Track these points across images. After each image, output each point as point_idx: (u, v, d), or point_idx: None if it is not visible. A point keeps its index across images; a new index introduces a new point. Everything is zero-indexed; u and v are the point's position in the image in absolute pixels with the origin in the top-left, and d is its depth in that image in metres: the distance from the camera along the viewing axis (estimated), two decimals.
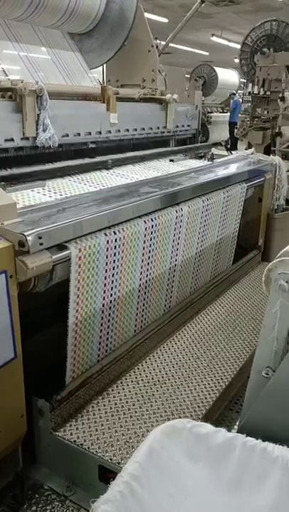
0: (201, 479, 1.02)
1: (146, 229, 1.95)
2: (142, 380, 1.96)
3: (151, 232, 2.00)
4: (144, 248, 1.98)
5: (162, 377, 1.99)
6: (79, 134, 2.36)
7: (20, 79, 2.12)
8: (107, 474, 1.50)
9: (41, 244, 1.40)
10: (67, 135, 2.29)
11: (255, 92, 6.73)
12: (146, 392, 1.88)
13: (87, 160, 2.47)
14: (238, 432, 1.13)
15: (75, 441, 1.60)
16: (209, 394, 1.88)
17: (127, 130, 2.72)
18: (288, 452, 1.01)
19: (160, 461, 1.01)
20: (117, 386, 1.91)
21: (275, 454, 1.00)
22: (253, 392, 1.22)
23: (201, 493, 1.00)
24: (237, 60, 7.34)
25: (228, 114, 12.29)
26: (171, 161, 3.02)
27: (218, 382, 1.96)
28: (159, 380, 1.96)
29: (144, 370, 2.03)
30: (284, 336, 1.16)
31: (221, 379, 1.99)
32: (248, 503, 0.99)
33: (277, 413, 1.14)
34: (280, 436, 1.09)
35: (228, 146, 3.78)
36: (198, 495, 1.00)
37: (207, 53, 18.34)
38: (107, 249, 1.73)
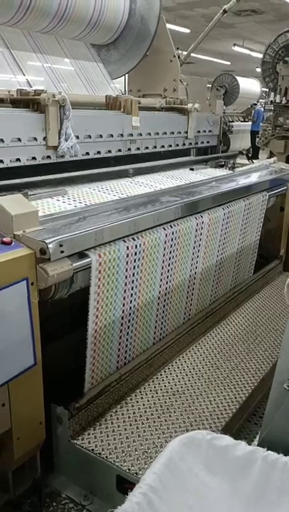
0: (220, 492, 1.00)
1: (166, 237, 1.95)
2: (161, 389, 1.94)
3: (172, 240, 2.00)
4: (164, 256, 1.98)
5: (181, 387, 1.97)
6: (101, 136, 2.37)
7: (43, 89, 2.16)
8: (124, 484, 1.49)
9: (62, 252, 1.41)
10: (90, 136, 2.30)
11: (278, 101, 6.69)
12: (165, 402, 1.86)
13: (108, 169, 2.48)
14: (258, 446, 1.10)
15: (93, 449, 1.59)
16: (229, 405, 1.85)
17: (148, 136, 2.72)
18: None
19: (179, 473, 0.99)
20: (135, 395, 1.90)
21: None
22: (274, 404, 1.19)
23: (220, 506, 0.98)
24: (259, 70, 7.30)
25: (250, 123, 12.25)
26: (192, 169, 3.02)
27: (238, 394, 1.93)
28: (178, 390, 1.94)
29: (163, 380, 2.01)
30: None
31: (241, 390, 1.96)
32: None
33: None
34: None
35: (250, 155, 3.76)
36: (217, 508, 0.98)
37: (229, 63, 18.36)
38: (127, 257, 1.74)
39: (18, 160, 1.96)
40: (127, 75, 3.63)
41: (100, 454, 1.57)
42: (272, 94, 6.86)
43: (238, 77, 13.34)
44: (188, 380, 2.02)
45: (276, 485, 0.98)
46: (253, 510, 0.97)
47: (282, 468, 0.99)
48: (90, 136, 2.31)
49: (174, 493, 0.97)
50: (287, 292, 1.15)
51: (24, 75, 2.54)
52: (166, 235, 1.94)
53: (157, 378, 2.02)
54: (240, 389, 1.97)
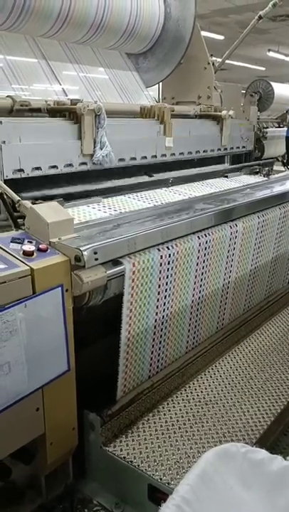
0: (255, 507, 0.97)
1: (200, 245, 1.93)
2: (194, 398, 1.92)
3: (205, 249, 1.98)
4: (197, 264, 1.96)
5: (214, 396, 1.94)
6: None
7: (79, 98, 2.19)
8: (156, 494, 1.48)
9: (96, 259, 1.43)
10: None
11: None
12: (198, 412, 1.84)
13: (145, 178, 2.49)
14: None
15: (124, 457, 1.59)
16: (263, 417, 1.82)
17: (183, 145, 2.72)
18: None
19: (212, 485, 0.98)
20: (167, 403, 1.88)
21: None
22: None
23: None
24: None
25: (285, 128, 12.05)
26: (226, 177, 2.99)
27: (273, 406, 1.89)
28: (210, 400, 1.92)
29: (196, 389, 1.99)
30: None
31: (276, 402, 1.92)
32: None
33: None
34: None
35: (285, 162, 3.70)
36: None
37: (263, 68, 18.18)
38: (161, 264, 1.73)
39: (55, 167, 1.99)
40: (161, 83, 3.64)
41: (131, 462, 1.57)
42: None
43: (272, 83, 13.19)
44: (222, 390, 1.99)
45: None
46: None
47: None
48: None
49: (208, 506, 0.96)
50: None
51: (60, 84, 2.59)
52: (199, 243, 1.93)
53: (190, 387, 2.00)
54: (274, 400, 1.92)
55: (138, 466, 1.55)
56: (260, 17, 3.49)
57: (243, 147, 3.35)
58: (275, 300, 2.78)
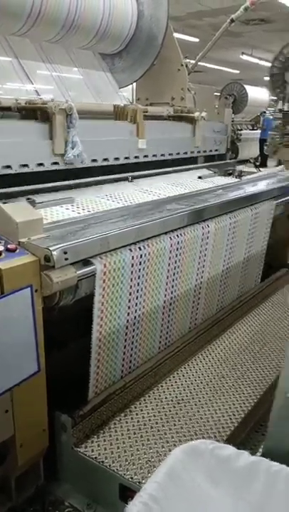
0: (222, 503, 0.99)
1: (171, 245, 1.95)
2: (166, 398, 1.93)
3: (177, 249, 1.99)
4: (169, 265, 1.98)
5: (186, 395, 1.96)
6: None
7: (51, 98, 2.18)
8: (127, 493, 1.48)
9: (66, 259, 1.42)
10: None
11: (286, 109, 6.68)
12: (170, 411, 1.85)
13: (111, 176, 2.49)
14: (262, 456, 1.09)
15: (96, 458, 1.58)
16: (234, 415, 1.84)
17: (156, 147, 2.73)
18: None
19: (180, 482, 0.98)
20: (140, 403, 1.89)
21: None
22: (277, 414, 1.18)
23: None
24: (267, 78, 7.31)
25: (258, 131, 12.26)
26: (200, 178, 3.02)
27: (244, 403, 1.92)
28: (182, 399, 1.93)
29: (168, 388, 2.00)
30: None
31: (247, 400, 1.94)
32: None
33: None
34: None
35: (257, 164, 3.76)
36: None
37: (237, 71, 18.42)
38: (132, 265, 1.74)
39: (26, 166, 1.98)
40: (135, 84, 3.65)
41: (103, 462, 1.57)
42: (281, 102, 6.85)
43: (246, 86, 13.39)
44: (194, 389, 2.00)
45: (279, 496, 0.97)
46: None
47: (285, 479, 0.98)
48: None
49: (176, 503, 0.96)
50: None
51: (32, 84, 2.56)
52: (171, 244, 1.94)
53: (162, 387, 2.01)
54: (245, 399, 1.95)
55: (109, 466, 1.55)
56: (232, 20, 3.54)
57: (216, 150, 3.38)
58: (247, 299, 2.82)
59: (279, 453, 1.10)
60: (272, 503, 0.96)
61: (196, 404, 1.89)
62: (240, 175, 3.14)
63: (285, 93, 6.94)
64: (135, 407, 1.86)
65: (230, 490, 0.99)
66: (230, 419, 1.81)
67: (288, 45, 6.87)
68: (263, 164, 10.50)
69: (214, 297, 2.48)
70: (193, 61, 4.69)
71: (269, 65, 7.38)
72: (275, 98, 7.46)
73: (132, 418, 1.80)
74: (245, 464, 1.01)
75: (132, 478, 1.50)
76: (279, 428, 1.16)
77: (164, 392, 1.97)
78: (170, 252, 1.95)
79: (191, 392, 1.98)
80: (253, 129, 12.96)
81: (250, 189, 2.74)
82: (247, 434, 1.84)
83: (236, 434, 1.76)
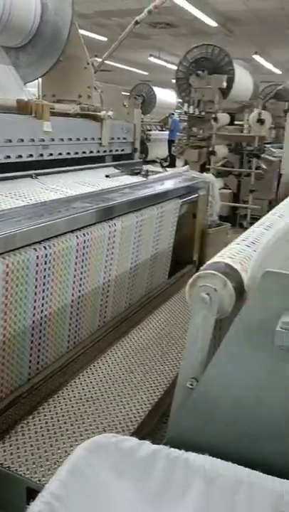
0: (126, 495, 1.01)
1: (78, 244, 1.94)
2: (75, 396, 1.93)
3: (84, 248, 2.00)
4: (76, 264, 1.97)
5: (95, 393, 1.97)
6: (10, 141, 2.31)
7: None
8: (35, 496, 1.45)
9: None
10: None
11: (191, 112, 6.97)
12: (79, 409, 1.85)
13: (17, 173, 2.42)
14: (164, 444, 1.13)
15: (2, 463, 1.54)
16: (142, 408, 1.89)
17: (62, 141, 2.70)
18: (210, 461, 1.03)
19: (84, 478, 0.99)
20: (48, 404, 1.86)
21: (196, 464, 1.02)
22: (178, 404, 1.24)
23: (125, 507, 1.00)
24: (174, 81, 7.56)
25: (167, 132, 12.64)
26: (107, 176, 3.04)
27: (151, 396, 1.97)
28: (92, 397, 1.94)
29: (77, 387, 2.00)
30: (207, 347, 1.20)
31: (154, 392, 2.00)
32: None
33: (201, 423, 1.16)
34: (205, 447, 1.11)
35: (164, 164, 3.87)
36: (122, 509, 0.99)
37: (146, 73, 18.79)
38: (37, 264, 1.71)
39: None
40: (41, 80, 3.58)
41: (9, 467, 1.52)
42: (186, 105, 7.13)
43: (154, 87, 13.74)
44: (103, 386, 2.02)
45: (179, 481, 1.01)
46: (157, 508, 1.00)
47: (184, 465, 1.03)
48: None
49: (80, 499, 0.97)
50: (189, 292, 1.21)
51: None
52: (78, 243, 1.94)
53: (71, 386, 2.00)
54: (153, 391, 2.01)
55: (16, 470, 1.51)
56: (136, 22, 3.61)
57: (123, 150, 3.43)
58: (156, 295, 2.90)
59: (180, 441, 1.15)
60: (172, 487, 1.01)
61: (105, 401, 1.91)
62: (146, 174, 3.22)
63: (190, 96, 7.22)
64: (43, 409, 1.83)
65: (132, 480, 1.01)
66: (138, 412, 1.86)
67: (192, 50, 7.17)
68: (172, 164, 10.84)
69: (122, 294, 2.51)
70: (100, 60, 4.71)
71: (175, 67, 7.64)
72: (181, 101, 7.74)
73: (40, 420, 1.77)
74: (146, 454, 1.05)
75: (39, 480, 1.48)
76: (180, 417, 1.21)
77: (72, 391, 1.97)
78: (77, 251, 1.95)
79: (100, 389, 2.00)
80: (162, 130, 13.32)
81: (156, 188, 2.83)
82: (155, 425, 1.90)
83: (144, 426, 1.80)
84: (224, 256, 1.38)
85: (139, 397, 1.96)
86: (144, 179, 3.13)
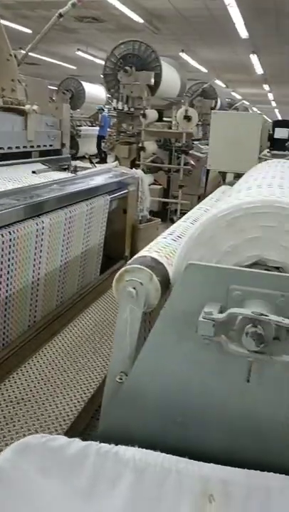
0: (54, 493, 1.00)
1: (3, 243, 1.88)
2: (5, 400, 1.87)
3: (10, 246, 1.94)
4: (2, 263, 1.91)
5: (27, 394, 1.92)
6: None
7: None
8: None
9: None
10: None
11: (120, 108, 6.98)
12: (9, 412, 1.80)
13: None
14: (95, 440, 1.13)
15: None
16: (75, 406, 1.87)
17: None
18: (139, 453, 1.05)
19: (11, 482, 0.97)
20: None
21: (126, 457, 1.03)
22: (108, 398, 1.24)
23: (56, 506, 0.99)
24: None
25: (98, 128, 12.57)
26: (34, 172, 2.96)
27: (85, 393, 1.96)
28: (23, 398, 1.89)
29: (7, 390, 1.94)
30: (135, 340, 1.21)
31: (88, 389, 2.00)
32: (104, 510, 1.00)
33: (131, 416, 1.18)
34: (136, 439, 1.13)
35: (94, 160, 3.85)
36: (53, 509, 0.98)
37: (75, 67, 18.53)
38: None
39: None
40: None
41: None
42: (116, 101, 7.12)
43: (83, 82, 13.60)
44: (34, 386, 1.98)
45: (109, 475, 1.02)
46: (87, 504, 1.00)
47: (113, 458, 1.03)
48: None
49: (7, 503, 0.95)
50: (115, 286, 1.21)
51: None
52: (3, 241, 1.88)
53: (1, 389, 1.94)
54: (86, 388, 2.00)
55: None
56: (60, 15, 3.54)
57: (51, 145, 3.36)
58: (88, 292, 2.89)
59: (112, 435, 1.16)
60: (101, 482, 1.01)
61: (36, 402, 1.87)
62: (75, 170, 3.18)
63: (119, 92, 7.23)
64: None
65: (61, 479, 1.01)
66: (72, 410, 1.84)
67: (119, 46, 7.17)
68: (103, 161, 10.81)
69: (53, 292, 2.47)
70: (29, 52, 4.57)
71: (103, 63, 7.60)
72: (111, 96, 7.72)
73: None
74: (76, 451, 1.04)
75: None
76: (110, 412, 1.22)
77: (2, 394, 1.91)
78: (2, 250, 1.89)
79: (32, 390, 1.95)
80: (92, 126, 13.22)
81: (85, 184, 2.80)
82: (89, 422, 1.89)
83: (77, 424, 1.79)
84: (151, 250, 1.40)
85: (72, 395, 1.94)
86: (73, 175, 3.09)
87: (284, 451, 1.08)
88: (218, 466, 1.03)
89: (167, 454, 1.06)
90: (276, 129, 3.30)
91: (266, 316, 0.98)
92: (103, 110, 13.11)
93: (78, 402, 1.90)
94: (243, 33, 10.82)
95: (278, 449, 1.09)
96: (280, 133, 3.28)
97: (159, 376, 1.14)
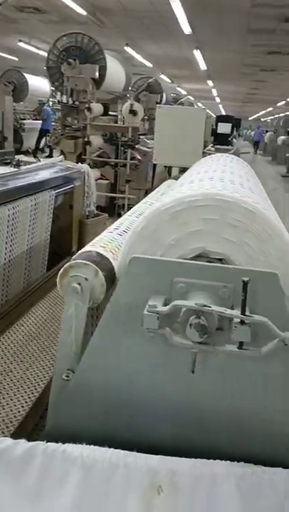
0: (2, 496, 0.97)
1: None
2: None
3: None
4: None
5: None
6: None
7: None
8: None
9: None
10: None
11: (64, 101, 6.83)
12: None
13: None
14: (43, 440, 1.11)
15: None
16: (23, 406, 1.83)
17: None
18: (87, 450, 1.04)
19: None
20: None
21: (74, 454, 1.02)
22: (55, 396, 1.22)
23: (1, 510, 0.96)
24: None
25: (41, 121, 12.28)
26: None
27: (32, 393, 1.93)
28: None
29: None
30: (81, 336, 1.19)
31: (35, 389, 1.96)
32: (52, 509, 0.98)
33: (78, 413, 1.16)
34: (84, 436, 1.11)
35: (36, 154, 3.76)
36: None
37: (16, 59, 17.99)
38: None
39: None
40: None
41: None
42: (60, 94, 6.97)
43: (26, 75, 13.22)
44: None
45: (56, 474, 1.00)
46: (35, 502, 0.98)
47: (60, 457, 1.02)
48: None
49: None
50: (60, 282, 1.19)
51: None
52: None
53: None
54: (34, 388, 1.96)
55: None
56: None
57: None
58: (34, 290, 2.83)
59: (60, 434, 1.14)
60: (50, 481, 0.99)
61: None
62: (18, 164, 3.09)
63: (63, 86, 7.08)
64: None
65: (7, 481, 0.98)
66: (19, 411, 1.80)
67: (61, 38, 7.03)
68: (49, 155, 10.59)
69: None
70: None
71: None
72: (54, 89, 7.55)
73: None
74: (22, 452, 1.01)
75: None
76: (57, 410, 1.20)
77: None
78: None
79: None
80: (36, 119, 12.89)
81: (28, 179, 2.74)
82: (36, 423, 1.85)
83: (25, 425, 1.75)
84: (96, 245, 1.39)
85: (20, 395, 1.90)
86: (16, 169, 3.00)
87: (228, 438, 1.11)
88: (166, 457, 1.04)
89: (116, 449, 1.06)
90: (219, 124, 3.36)
91: (209, 307, 0.99)
92: (44, 103, 12.79)
93: (26, 402, 1.86)
94: (187, 28, 10.91)
95: (222, 436, 1.11)
96: (223, 128, 3.35)
97: (105, 371, 1.14)
